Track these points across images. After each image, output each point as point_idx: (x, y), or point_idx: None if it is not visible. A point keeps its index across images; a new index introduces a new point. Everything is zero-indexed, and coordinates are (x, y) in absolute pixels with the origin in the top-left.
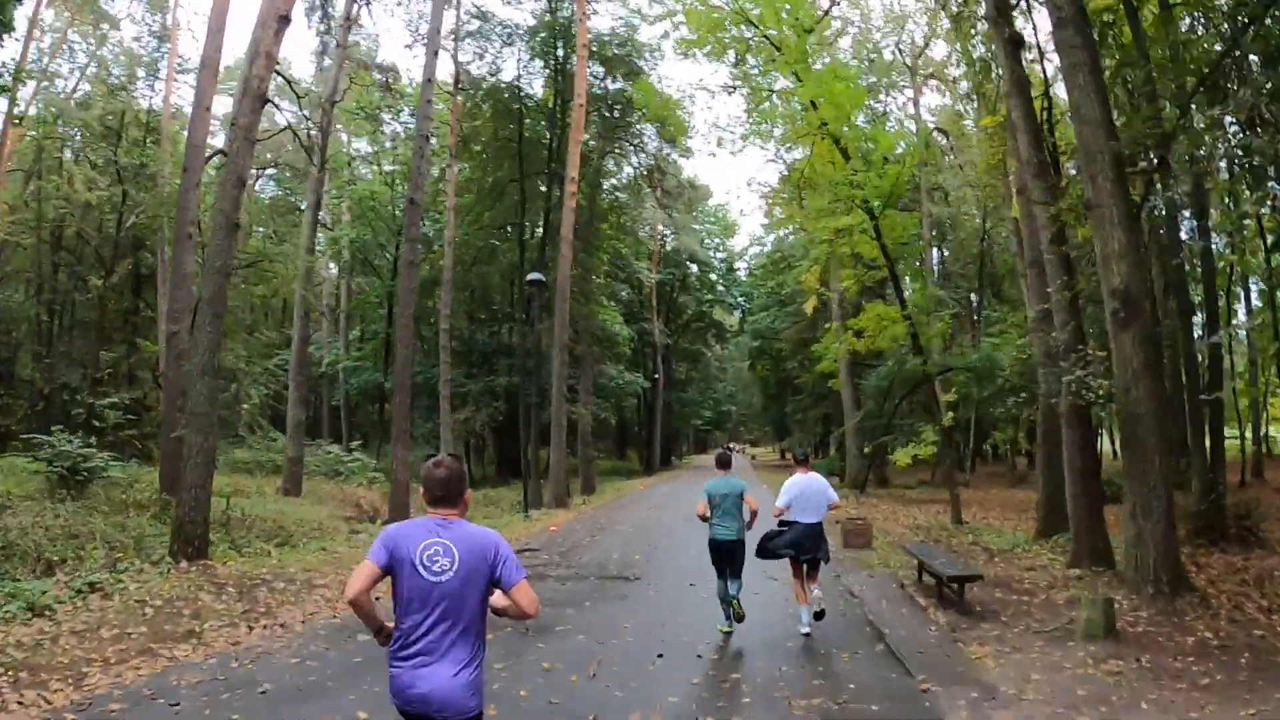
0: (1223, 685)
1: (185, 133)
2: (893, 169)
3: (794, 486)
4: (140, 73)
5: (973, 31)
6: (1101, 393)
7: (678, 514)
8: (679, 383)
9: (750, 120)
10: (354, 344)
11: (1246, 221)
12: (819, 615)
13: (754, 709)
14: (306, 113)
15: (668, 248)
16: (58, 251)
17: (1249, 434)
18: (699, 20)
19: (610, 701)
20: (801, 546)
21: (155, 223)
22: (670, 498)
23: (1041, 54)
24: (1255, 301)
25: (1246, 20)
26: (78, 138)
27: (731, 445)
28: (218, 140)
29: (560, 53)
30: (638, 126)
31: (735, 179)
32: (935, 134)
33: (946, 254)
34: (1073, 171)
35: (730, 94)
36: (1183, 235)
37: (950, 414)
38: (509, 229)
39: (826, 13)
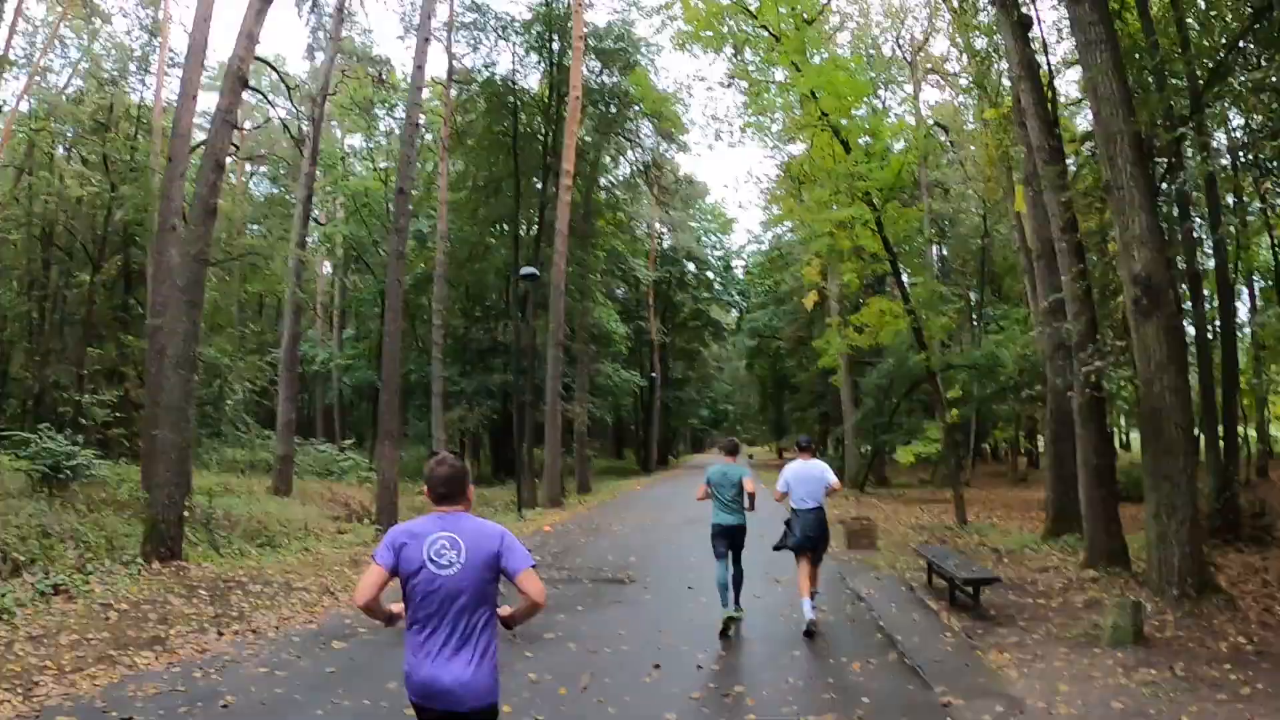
0: (1266, 695)
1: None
2: (895, 160)
3: (790, 471)
4: (131, 67)
5: (974, 23)
6: (1122, 385)
7: (675, 514)
8: (676, 382)
9: (748, 112)
10: (349, 342)
11: (1250, 217)
12: (809, 633)
13: None
14: (298, 106)
15: (665, 245)
16: (49, 248)
17: (1253, 431)
18: (696, 16)
19: (602, 719)
20: (809, 538)
21: (145, 218)
22: (667, 498)
23: (1045, 45)
24: (1258, 299)
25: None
26: (70, 134)
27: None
28: (205, 132)
29: (556, 45)
30: (634, 122)
31: (733, 173)
32: (935, 129)
33: (946, 252)
34: (1073, 167)
35: (727, 87)
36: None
37: (955, 411)
38: (504, 225)
39: (826, 3)
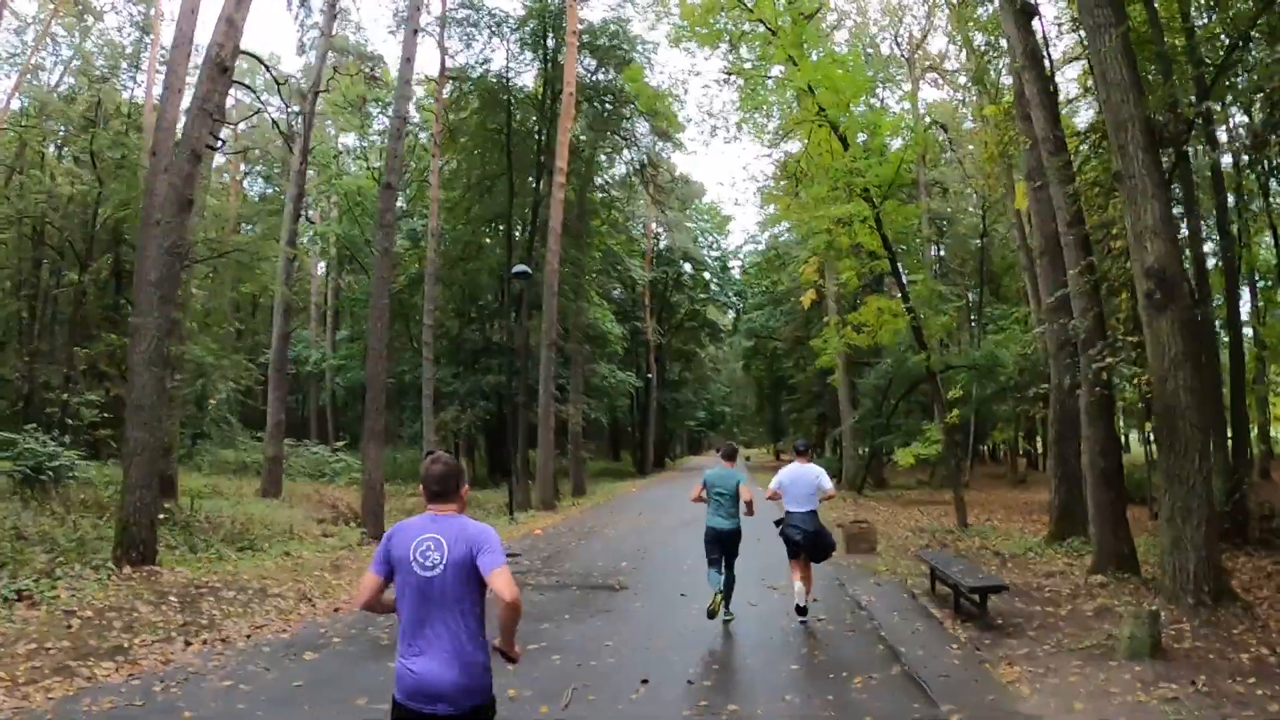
0: None
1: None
2: (895, 155)
3: (785, 474)
4: (123, 64)
5: (973, 16)
6: (1135, 383)
7: (670, 517)
8: (673, 383)
9: (744, 108)
10: (342, 343)
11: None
12: (801, 610)
13: None
14: (288, 101)
15: (661, 245)
16: (39, 247)
17: (1255, 432)
18: (691, 13)
19: None
20: (794, 539)
21: (133, 214)
22: (663, 500)
23: (1046, 40)
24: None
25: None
26: (61, 132)
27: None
28: None
29: (551, 42)
30: (630, 121)
31: (729, 171)
32: (934, 127)
33: (944, 252)
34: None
35: (723, 85)
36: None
37: (955, 411)
38: (498, 224)
39: None
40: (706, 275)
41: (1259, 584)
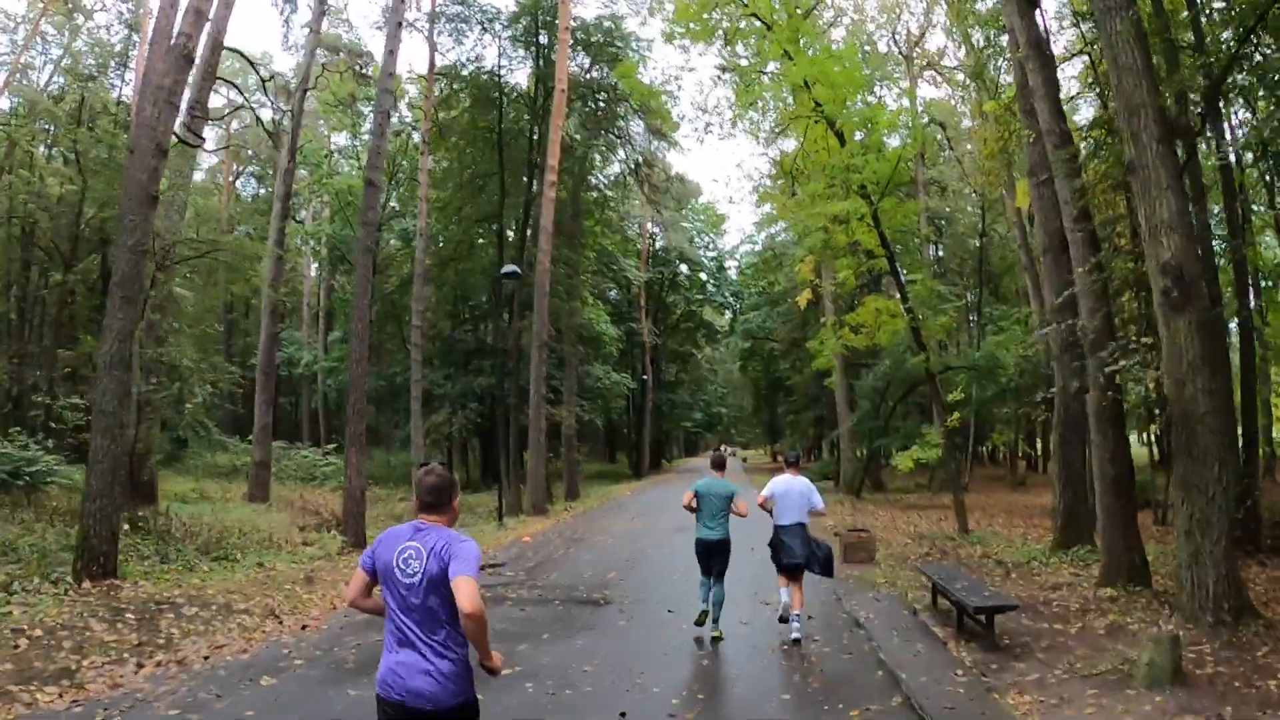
0: None
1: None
2: (893, 153)
3: (778, 484)
4: (111, 63)
5: (972, 9)
6: (1150, 386)
7: (665, 520)
8: (669, 384)
9: (739, 104)
10: (334, 344)
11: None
12: (796, 642)
13: None
14: (274, 98)
15: (656, 246)
16: (28, 248)
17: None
18: (686, 10)
19: None
20: (780, 550)
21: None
22: (658, 503)
23: (1047, 34)
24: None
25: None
26: (51, 131)
27: (724, 446)
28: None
29: (543, 39)
30: (625, 120)
31: (724, 169)
32: (932, 125)
33: (943, 252)
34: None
35: (716, 84)
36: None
37: (956, 414)
38: (490, 224)
39: None
40: (703, 276)
41: (1276, 597)
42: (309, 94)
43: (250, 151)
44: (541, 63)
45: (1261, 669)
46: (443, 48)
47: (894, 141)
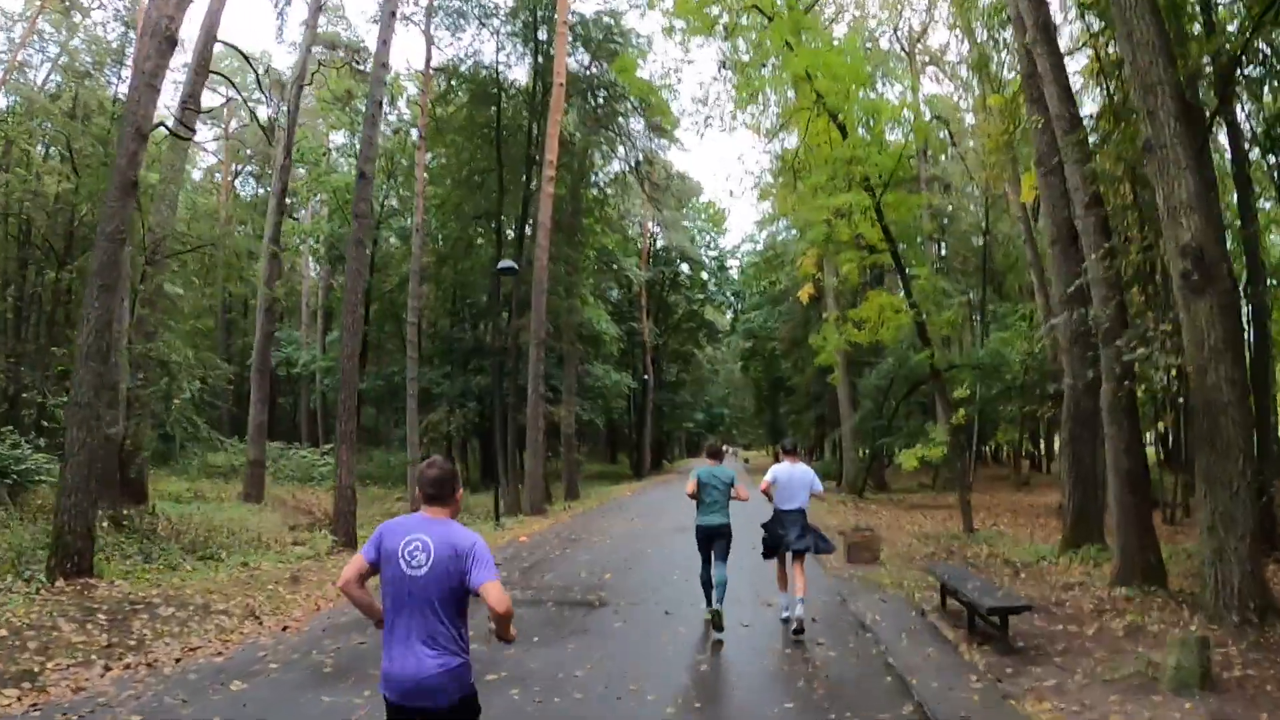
0: None
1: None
2: (897, 147)
3: (780, 471)
4: (108, 60)
5: (975, 4)
6: (1172, 375)
7: (664, 520)
8: (670, 384)
9: (739, 94)
10: (333, 344)
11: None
12: (798, 632)
13: None
14: (269, 93)
15: (657, 245)
16: (25, 247)
17: None
18: (685, 3)
19: None
20: (779, 536)
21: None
22: (658, 503)
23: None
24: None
25: None
26: (48, 129)
27: (726, 447)
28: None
29: (542, 35)
30: (624, 117)
31: (725, 164)
32: (934, 121)
33: (945, 251)
34: None
35: (715, 80)
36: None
37: (961, 411)
38: (488, 221)
39: None
40: (704, 275)
41: None
42: (307, 92)
43: (249, 150)
44: (540, 58)
45: None
46: (440, 42)
47: (896, 136)
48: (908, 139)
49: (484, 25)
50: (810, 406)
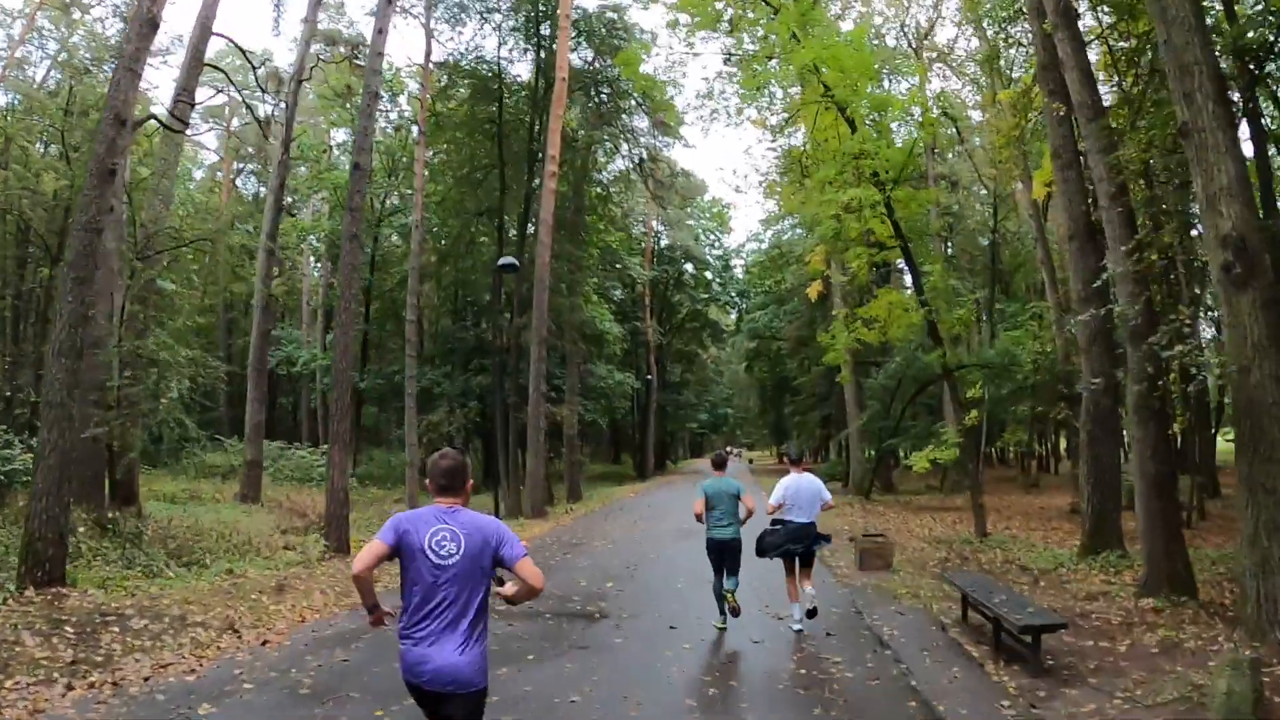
0: None
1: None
2: (907, 142)
3: (788, 485)
4: (106, 56)
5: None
6: (1219, 373)
7: (667, 524)
8: (674, 384)
9: (745, 88)
10: (334, 344)
11: None
12: (811, 613)
13: None
14: (264, 86)
15: (661, 244)
16: (22, 245)
17: None
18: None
19: None
20: (791, 547)
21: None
22: (661, 505)
23: None
24: None
25: None
26: (47, 127)
27: (729, 448)
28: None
29: (545, 30)
30: (628, 114)
31: (731, 159)
32: (942, 117)
33: (952, 250)
34: None
35: (721, 75)
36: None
37: (974, 412)
38: (490, 218)
39: None
40: (708, 274)
41: None
42: (307, 87)
43: (250, 148)
44: (542, 53)
45: None
46: (440, 36)
47: (903, 133)
48: (916, 140)
49: (485, 19)
50: (816, 407)
